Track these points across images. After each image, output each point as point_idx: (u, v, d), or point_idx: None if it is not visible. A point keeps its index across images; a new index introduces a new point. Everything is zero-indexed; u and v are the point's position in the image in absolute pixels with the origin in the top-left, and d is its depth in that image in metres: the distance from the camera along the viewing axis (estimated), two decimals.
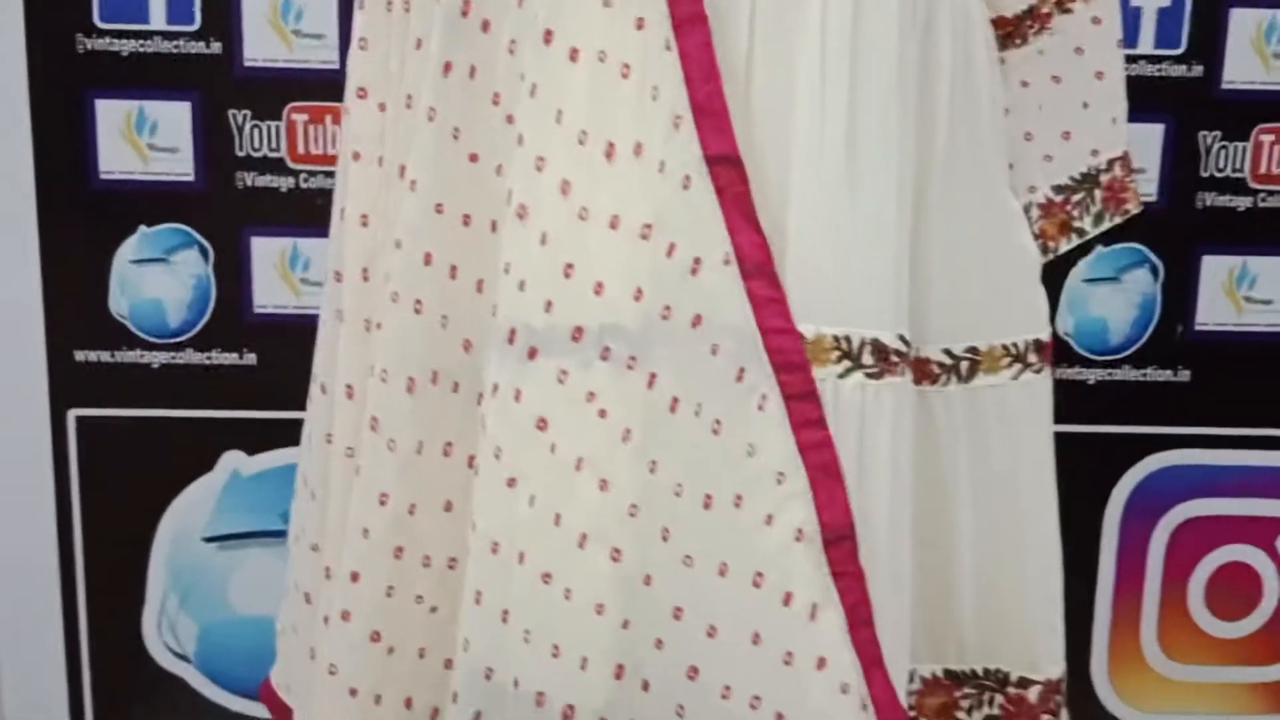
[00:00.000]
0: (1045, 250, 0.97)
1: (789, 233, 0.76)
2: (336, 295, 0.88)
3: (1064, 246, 0.99)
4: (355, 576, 0.84)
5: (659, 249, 0.76)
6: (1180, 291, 1.37)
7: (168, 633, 1.43)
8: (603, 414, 0.77)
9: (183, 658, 1.44)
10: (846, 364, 0.76)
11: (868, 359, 0.76)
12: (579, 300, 0.76)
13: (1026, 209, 0.95)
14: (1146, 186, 1.32)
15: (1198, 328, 1.38)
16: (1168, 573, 1.44)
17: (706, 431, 0.76)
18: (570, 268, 0.77)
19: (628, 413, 0.77)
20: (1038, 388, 0.87)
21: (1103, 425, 1.39)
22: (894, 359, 0.77)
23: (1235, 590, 1.45)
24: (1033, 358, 0.87)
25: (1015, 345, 0.86)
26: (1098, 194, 0.96)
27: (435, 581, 0.85)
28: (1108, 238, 1.37)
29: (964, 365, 0.85)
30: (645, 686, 0.78)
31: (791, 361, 0.74)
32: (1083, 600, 1.44)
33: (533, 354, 0.77)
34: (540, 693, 0.78)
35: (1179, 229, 1.36)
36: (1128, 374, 1.39)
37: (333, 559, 0.86)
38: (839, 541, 0.75)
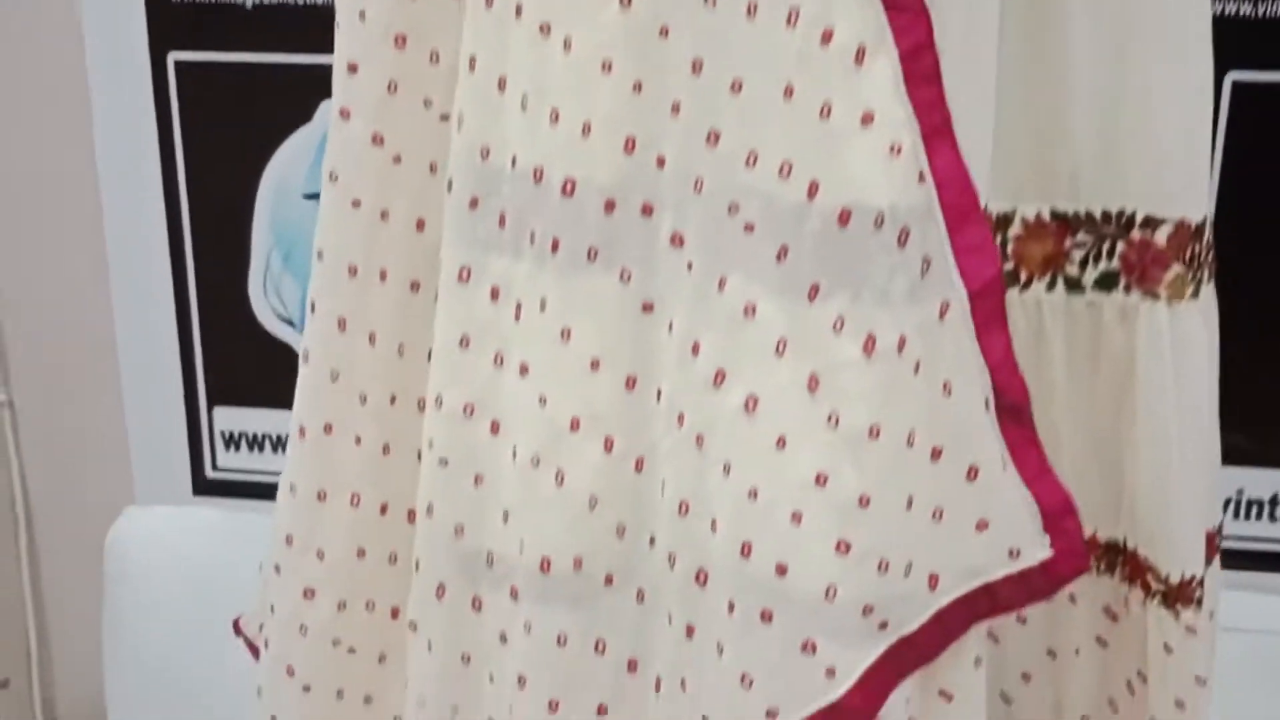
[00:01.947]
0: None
1: None
2: None
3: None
4: (353, 68, 0.74)
5: None
6: None
7: (273, 294, 1.41)
8: None
9: (288, 322, 1.42)
10: None
11: None
12: None
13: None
14: None
15: None
16: None
17: None
18: None
19: None
20: None
21: None
22: None
23: None
24: None
25: None
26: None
27: (442, 80, 0.74)
28: None
29: None
30: (660, 162, 0.65)
31: None
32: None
33: None
34: (538, 168, 0.67)
35: None
36: None
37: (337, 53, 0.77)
38: None
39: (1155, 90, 0.70)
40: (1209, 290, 0.75)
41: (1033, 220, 0.75)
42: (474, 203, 0.69)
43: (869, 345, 0.62)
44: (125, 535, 1.41)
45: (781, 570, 0.64)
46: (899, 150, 0.60)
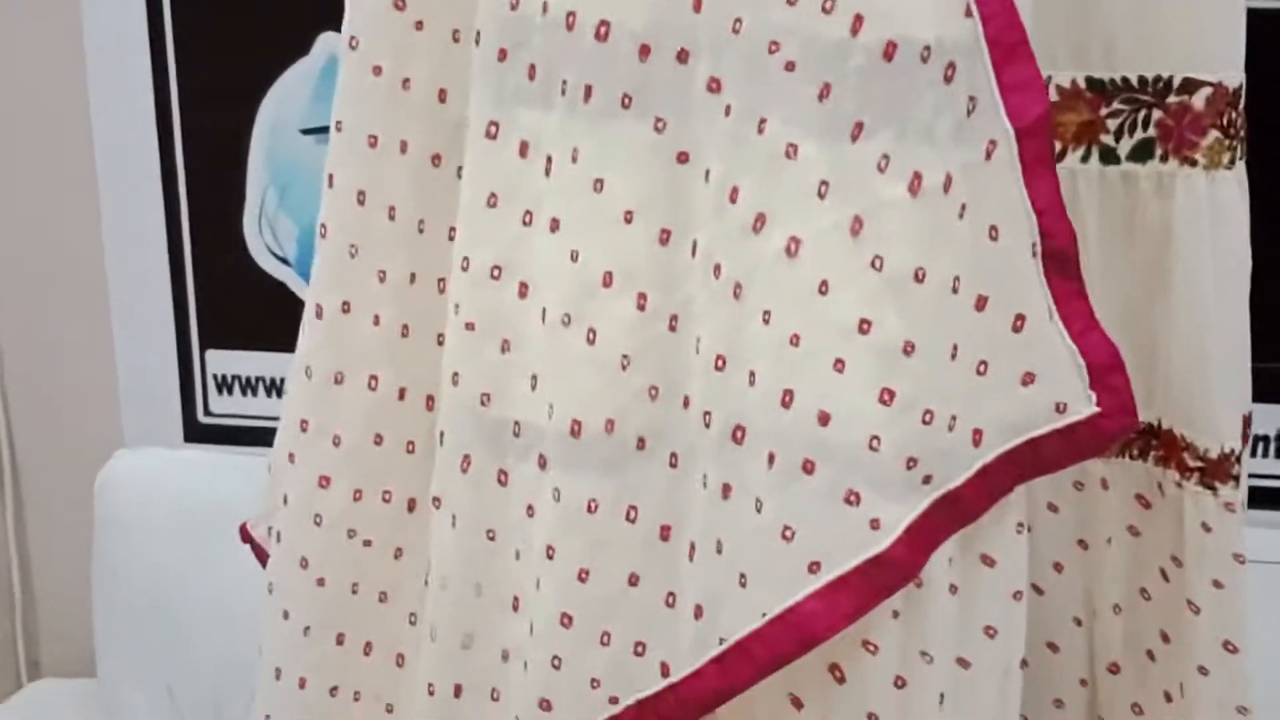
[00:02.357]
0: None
1: None
2: None
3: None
4: None
5: None
6: None
7: (268, 233, 1.38)
8: None
9: (284, 261, 1.39)
10: None
11: None
12: None
13: None
14: None
15: None
16: None
17: None
18: None
19: None
20: None
21: None
22: None
23: None
24: None
25: None
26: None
27: None
28: None
29: None
30: (697, 4, 0.63)
31: None
32: None
33: None
34: (571, 12, 0.65)
35: None
36: None
37: None
38: None
39: None
40: (1241, 166, 0.74)
41: (1068, 88, 0.73)
42: (502, 54, 0.67)
43: (914, 185, 0.60)
44: (115, 478, 1.37)
45: (824, 419, 0.62)
46: None
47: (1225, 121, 0.71)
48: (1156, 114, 0.73)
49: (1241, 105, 0.72)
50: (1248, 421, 0.76)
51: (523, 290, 0.69)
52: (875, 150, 0.61)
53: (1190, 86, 0.71)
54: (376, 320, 0.77)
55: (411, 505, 0.80)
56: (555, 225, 0.67)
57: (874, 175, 0.61)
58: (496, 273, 0.70)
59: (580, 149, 0.66)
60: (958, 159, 0.61)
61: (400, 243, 0.76)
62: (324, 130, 1.33)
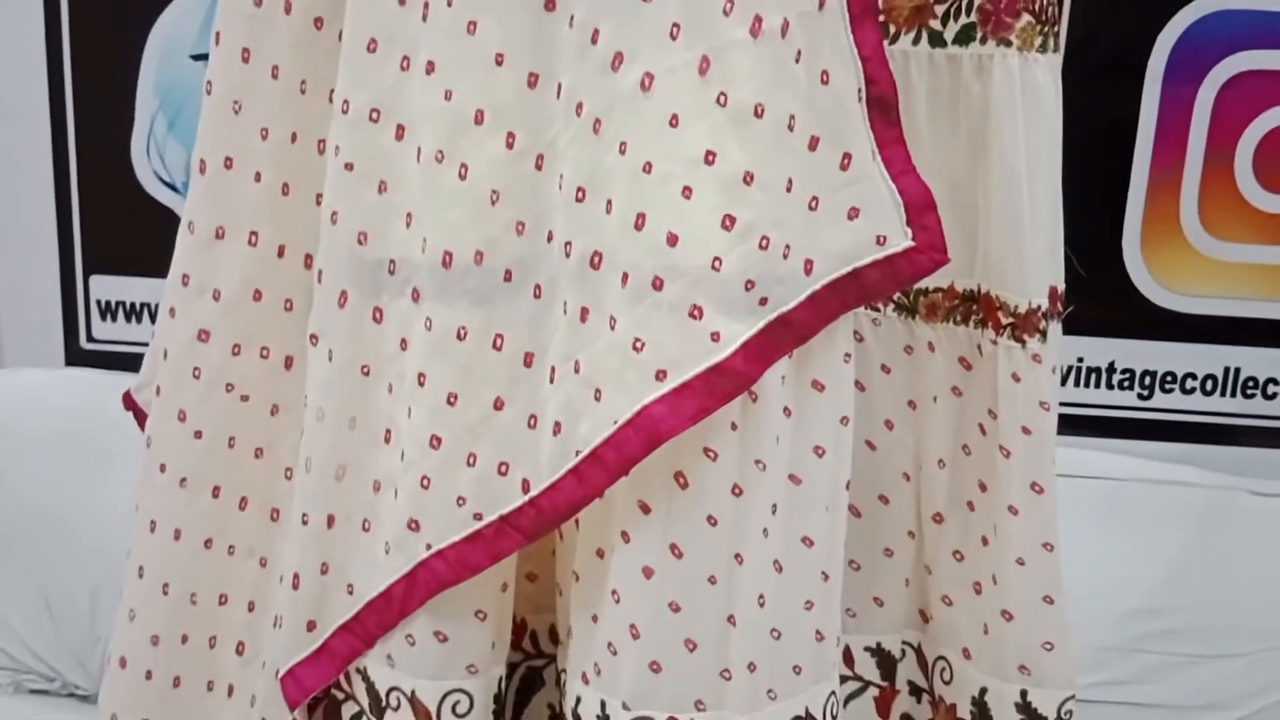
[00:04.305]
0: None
1: None
2: None
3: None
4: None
5: None
6: None
7: (156, 158, 1.40)
8: None
9: (171, 187, 1.41)
10: None
11: None
12: None
13: None
14: None
15: None
16: (1213, 136, 1.31)
17: None
18: None
19: None
20: None
21: None
22: None
23: None
24: None
25: None
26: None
27: None
28: None
29: None
30: None
31: None
32: (1117, 168, 1.33)
33: None
34: None
35: None
36: None
37: None
38: None
39: None
40: (1056, 56, 0.82)
41: None
42: None
43: (755, 26, 0.67)
44: None
45: (672, 240, 0.69)
46: None
47: (1038, 6, 0.80)
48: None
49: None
50: (1057, 295, 0.85)
51: (400, 132, 0.74)
52: None
53: None
54: (258, 177, 0.81)
55: (289, 362, 0.84)
56: (431, 68, 0.72)
57: (720, 18, 0.68)
58: (375, 115, 0.75)
59: None
60: (795, 6, 0.68)
61: (282, 102, 0.80)
62: None
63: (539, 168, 0.73)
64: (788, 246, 0.70)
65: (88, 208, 1.41)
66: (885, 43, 0.81)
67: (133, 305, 1.44)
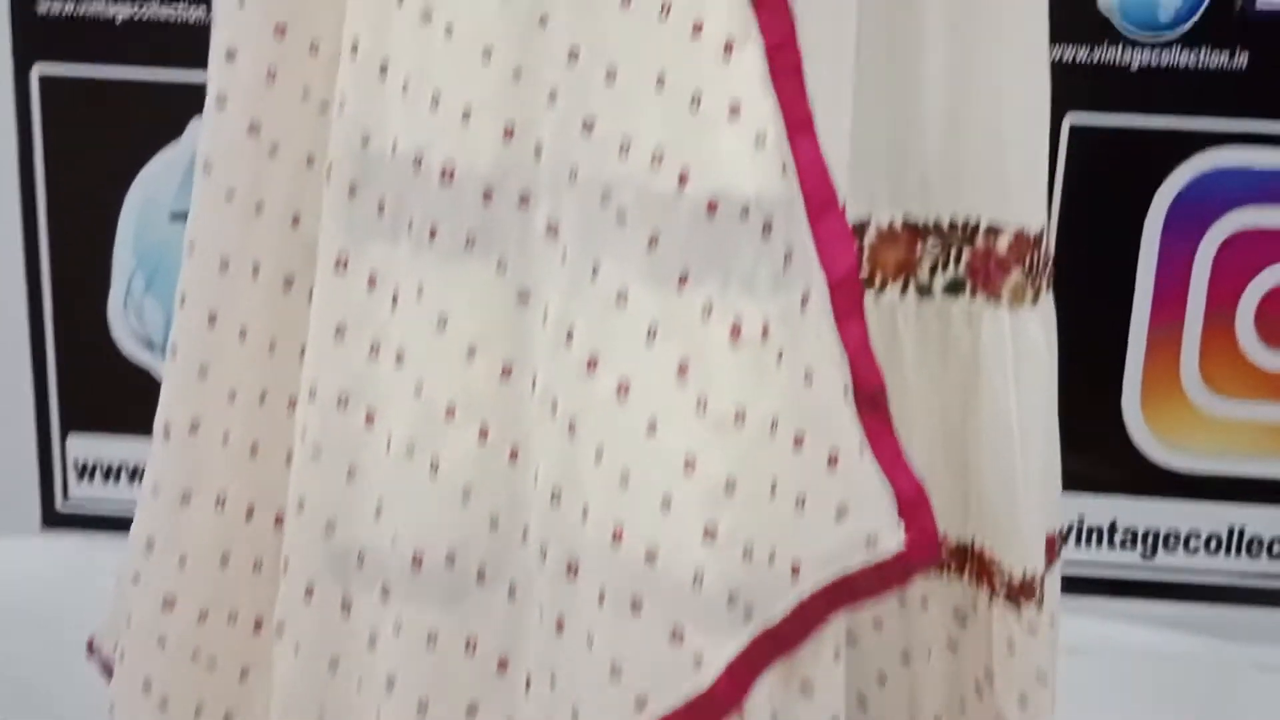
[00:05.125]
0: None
1: None
2: None
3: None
4: (231, 54, 0.74)
5: None
6: None
7: (134, 317, 1.38)
8: None
9: (149, 346, 1.38)
10: None
11: None
12: None
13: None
14: None
15: (1260, 5, 1.20)
16: (1213, 292, 1.28)
17: None
18: None
19: None
20: None
21: (1146, 116, 1.24)
22: None
23: None
24: None
25: None
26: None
27: (321, 72, 0.75)
28: None
29: None
30: (537, 151, 0.67)
31: None
32: (1116, 323, 1.30)
33: None
34: (418, 153, 0.68)
35: None
36: (1177, 57, 1.23)
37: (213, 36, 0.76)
38: None
39: (998, 105, 0.76)
40: (1048, 298, 0.80)
41: (886, 227, 0.79)
42: (353, 189, 0.70)
43: (735, 332, 0.64)
44: None
45: (651, 556, 0.65)
46: (764, 141, 0.63)
47: (1028, 263, 0.77)
48: (966, 254, 0.78)
49: (1045, 247, 0.79)
50: (1053, 542, 0.82)
51: (369, 419, 0.72)
52: (700, 298, 0.65)
53: (994, 231, 0.77)
54: (225, 438, 0.78)
55: (258, 624, 0.81)
56: (400, 357, 0.70)
57: (699, 322, 0.65)
58: (344, 401, 0.72)
59: (425, 285, 0.69)
60: (775, 306, 0.65)
61: (251, 362, 0.77)
62: None
63: (513, 459, 0.70)
64: (773, 552, 0.67)
65: (64, 367, 1.38)
66: (873, 294, 0.79)
67: (110, 466, 1.41)
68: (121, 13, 1.28)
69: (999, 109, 0.76)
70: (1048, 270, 0.79)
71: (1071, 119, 1.24)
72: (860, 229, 0.79)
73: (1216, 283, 1.29)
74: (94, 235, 1.35)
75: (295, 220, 0.76)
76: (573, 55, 0.66)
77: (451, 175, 0.67)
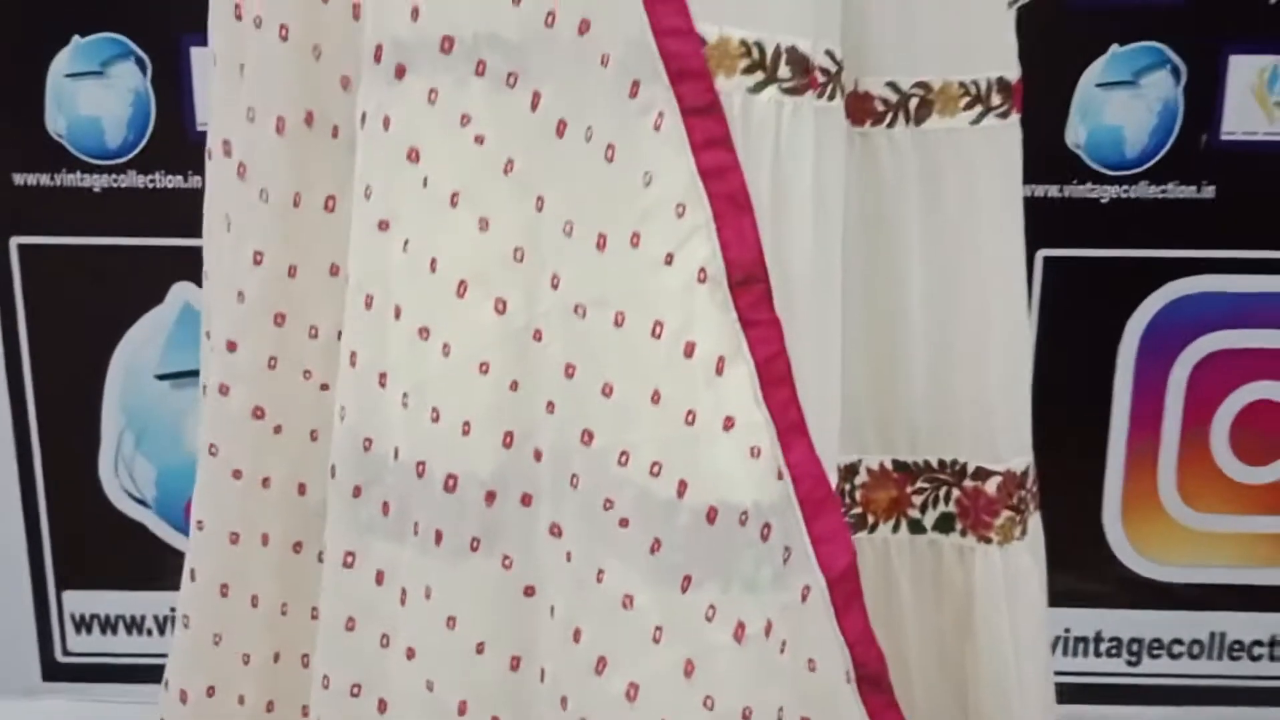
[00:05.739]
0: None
1: None
2: None
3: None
4: (232, 346, 0.76)
5: None
6: (1205, 96, 1.23)
7: (125, 476, 1.38)
8: (479, 140, 0.67)
9: (142, 502, 1.39)
10: (759, 75, 0.65)
11: (784, 71, 0.65)
12: (448, 3, 0.67)
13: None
14: None
15: (1224, 137, 1.24)
16: (1188, 412, 1.31)
17: (599, 159, 0.66)
18: None
19: (509, 138, 0.67)
20: (1003, 136, 0.76)
21: (1117, 249, 1.26)
22: (818, 75, 0.66)
23: (1263, 432, 1.31)
24: (996, 99, 0.75)
25: (975, 84, 0.75)
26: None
27: (320, 353, 0.77)
28: (1124, 34, 1.25)
29: (913, 103, 0.74)
30: (537, 456, 0.69)
31: (689, 68, 0.63)
32: (1095, 443, 1.33)
33: (400, 73, 0.68)
34: (421, 462, 0.70)
35: (1203, 24, 1.21)
36: (1145, 190, 1.25)
37: (212, 328, 0.78)
38: (747, 284, 0.65)
39: (981, 356, 0.78)
40: (1036, 525, 0.82)
41: (876, 470, 0.81)
42: (357, 490, 0.72)
43: (739, 632, 0.66)
44: None
45: None
46: (758, 452, 0.65)
47: (1015, 501, 0.80)
48: (955, 493, 0.81)
49: (1030, 481, 0.81)
50: None
51: (382, 706, 0.73)
52: (703, 600, 0.67)
53: (982, 474, 0.79)
54: (241, 700, 0.80)
55: None
56: (411, 654, 0.71)
57: (703, 623, 0.67)
58: (356, 690, 0.73)
59: (433, 587, 0.70)
60: (776, 603, 0.67)
61: (263, 626, 0.79)
62: (179, 376, 1.37)
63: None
64: None
65: (57, 526, 1.39)
66: (866, 532, 0.81)
67: (107, 618, 1.41)
68: (99, 183, 1.28)
69: (982, 357, 0.77)
70: (1035, 497, 0.81)
71: (1044, 252, 1.26)
72: (851, 471, 0.81)
73: (1191, 403, 1.32)
74: (82, 396, 1.36)
75: (301, 489, 0.79)
76: (568, 370, 0.67)
77: (455, 484, 0.69)
